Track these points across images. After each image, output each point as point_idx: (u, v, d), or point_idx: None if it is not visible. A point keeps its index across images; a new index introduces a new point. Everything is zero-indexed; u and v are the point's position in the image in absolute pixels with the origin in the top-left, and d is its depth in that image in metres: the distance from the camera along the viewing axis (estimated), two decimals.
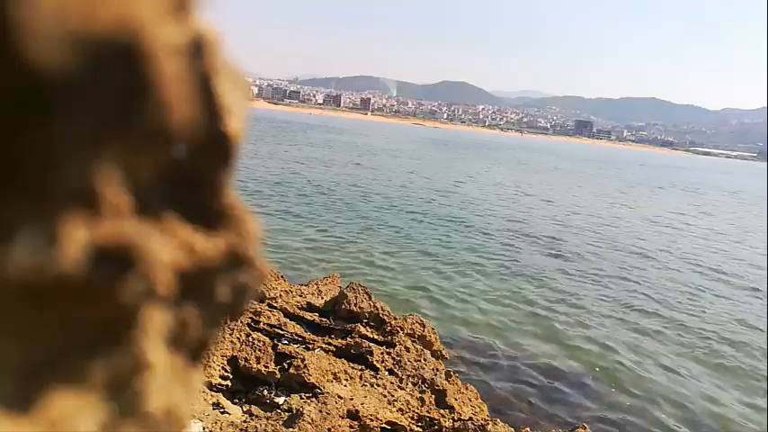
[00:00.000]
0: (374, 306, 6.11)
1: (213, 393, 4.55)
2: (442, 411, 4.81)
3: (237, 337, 4.96)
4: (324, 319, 5.91)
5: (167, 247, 0.26)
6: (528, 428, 4.78)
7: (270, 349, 5.01)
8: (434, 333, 6.28)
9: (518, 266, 13.21)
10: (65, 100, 0.22)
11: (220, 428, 4.00)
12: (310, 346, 5.33)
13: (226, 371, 4.76)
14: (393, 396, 4.83)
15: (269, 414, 4.29)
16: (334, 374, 4.88)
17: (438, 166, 38.69)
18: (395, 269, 11.75)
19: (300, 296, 6.27)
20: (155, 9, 0.23)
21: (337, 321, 5.92)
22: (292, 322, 5.64)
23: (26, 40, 0.20)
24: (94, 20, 0.21)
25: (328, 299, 6.36)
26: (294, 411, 4.16)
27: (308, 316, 5.88)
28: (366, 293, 6.22)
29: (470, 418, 4.49)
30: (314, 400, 4.34)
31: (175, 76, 0.24)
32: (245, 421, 4.18)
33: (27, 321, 0.23)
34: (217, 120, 0.27)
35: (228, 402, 4.52)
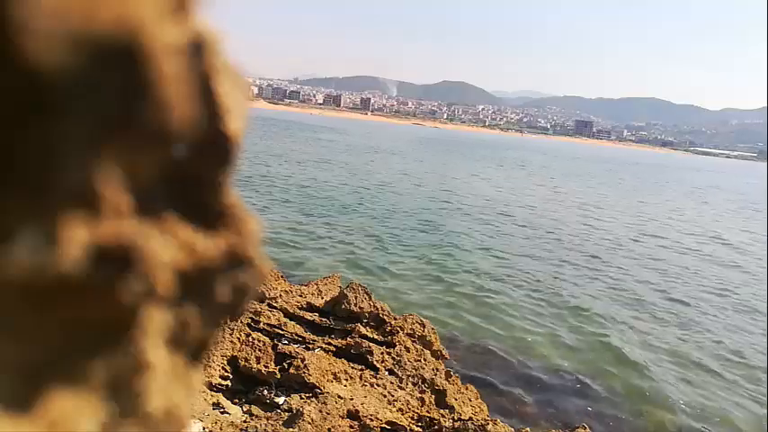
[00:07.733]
0: (374, 306, 6.11)
1: (213, 393, 4.55)
2: (442, 411, 4.81)
3: (237, 337, 4.95)
4: (324, 319, 5.91)
5: (167, 247, 0.26)
6: (528, 428, 4.77)
7: (270, 349, 5.01)
8: (434, 333, 6.27)
9: (520, 267, 13.21)
10: (65, 100, 0.22)
11: (220, 428, 4.00)
12: (310, 346, 5.32)
13: (226, 371, 4.76)
14: (393, 396, 4.83)
15: (269, 414, 4.29)
16: (335, 374, 4.88)
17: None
18: (390, 270, 11.76)
19: (300, 296, 6.26)
20: (155, 9, 0.23)
21: (337, 321, 5.92)
22: (292, 322, 5.64)
23: (26, 40, 0.20)
24: (95, 20, 0.21)
25: (328, 299, 6.36)
26: (294, 411, 4.16)
27: (308, 316, 5.87)
28: (366, 293, 6.21)
29: (470, 418, 4.49)
30: (314, 400, 4.34)
31: (175, 76, 0.24)
32: (245, 421, 4.18)
33: (27, 321, 0.23)
34: (217, 120, 0.27)
35: (228, 402, 4.52)
